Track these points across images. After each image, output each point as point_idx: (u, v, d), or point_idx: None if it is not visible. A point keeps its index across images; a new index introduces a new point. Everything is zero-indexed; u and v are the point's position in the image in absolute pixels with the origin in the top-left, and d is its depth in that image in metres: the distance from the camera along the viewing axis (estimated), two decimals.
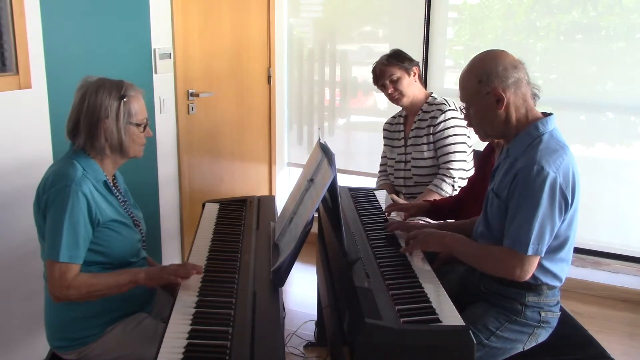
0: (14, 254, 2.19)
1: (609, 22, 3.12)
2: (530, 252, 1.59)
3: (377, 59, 2.72)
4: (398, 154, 2.81)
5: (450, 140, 2.61)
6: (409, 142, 2.74)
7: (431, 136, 2.65)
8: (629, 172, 3.26)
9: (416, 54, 3.42)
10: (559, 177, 1.57)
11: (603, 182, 3.28)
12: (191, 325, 1.46)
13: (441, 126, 2.61)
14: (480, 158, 2.33)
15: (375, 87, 2.74)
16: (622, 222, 3.30)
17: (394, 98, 2.68)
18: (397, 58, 2.65)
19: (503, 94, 1.65)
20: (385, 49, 3.76)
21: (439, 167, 2.65)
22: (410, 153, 2.73)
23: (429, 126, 2.65)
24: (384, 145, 2.94)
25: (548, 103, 2.60)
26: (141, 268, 1.75)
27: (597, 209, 3.29)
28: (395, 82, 2.64)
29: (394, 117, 2.91)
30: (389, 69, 2.64)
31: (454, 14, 3.51)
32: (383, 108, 3.89)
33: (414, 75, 2.67)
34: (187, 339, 1.40)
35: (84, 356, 1.74)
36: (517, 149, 1.68)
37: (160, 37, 2.87)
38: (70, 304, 1.68)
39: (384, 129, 2.93)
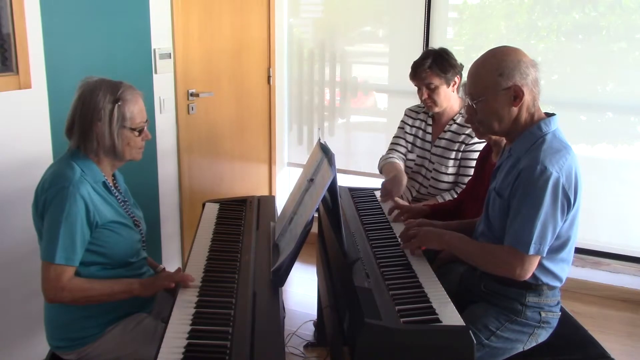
0: (13, 254, 2.19)
1: (609, 23, 3.12)
2: (531, 251, 1.58)
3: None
4: (418, 156, 2.67)
5: (473, 163, 2.44)
6: (435, 150, 2.60)
7: (460, 153, 2.53)
8: (629, 172, 3.26)
9: (416, 54, 3.41)
10: (562, 177, 1.57)
11: (603, 182, 3.28)
12: (191, 325, 1.46)
13: (473, 147, 2.48)
14: (478, 158, 2.32)
15: (412, 83, 2.55)
16: (622, 222, 3.30)
17: (427, 104, 2.54)
18: (442, 67, 2.45)
19: (523, 91, 1.64)
20: (385, 49, 3.77)
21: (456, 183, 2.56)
22: (434, 163, 2.60)
23: (461, 143, 2.52)
24: (400, 128, 2.76)
25: (549, 103, 2.59)
26: (135, 279, 1.75)
27: (597, 209, 3.29)
28: (432, 90, 2.48)
29: (419, 106, 2.71)
30: (428, 76, 2.46)
31: (454, 14, 3.51)
32: (383, 108, 3.90)
33: (453, 85, 2.50)
34: (187, 339, 1.40)
35: (84, 356, 1.74)
36: (520, 148, 1.68)
37: (160, 37, 2.87)
38: (70, 304, 1.68)
39: (406, 115, 2.75)
